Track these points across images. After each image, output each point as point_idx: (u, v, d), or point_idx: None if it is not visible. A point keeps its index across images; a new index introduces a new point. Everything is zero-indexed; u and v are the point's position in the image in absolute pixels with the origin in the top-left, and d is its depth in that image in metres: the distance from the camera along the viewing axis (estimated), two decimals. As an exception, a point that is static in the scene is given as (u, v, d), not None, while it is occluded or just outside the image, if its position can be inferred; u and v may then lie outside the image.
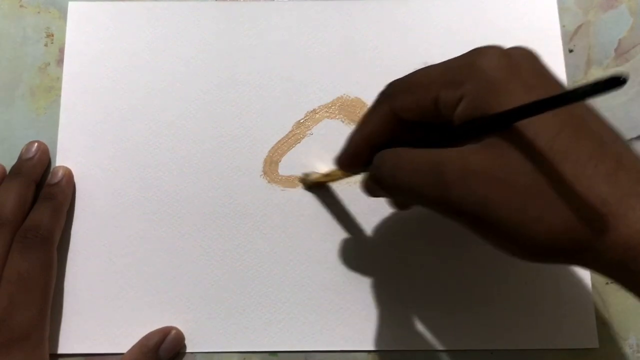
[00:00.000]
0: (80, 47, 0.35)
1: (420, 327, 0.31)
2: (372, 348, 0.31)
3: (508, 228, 0.20)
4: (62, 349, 0.31)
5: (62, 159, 0.34)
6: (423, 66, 0.24)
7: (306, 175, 0.33)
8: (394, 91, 0.25)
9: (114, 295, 0.32)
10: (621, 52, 0.35)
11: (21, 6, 0.36)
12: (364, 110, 0.35)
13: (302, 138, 0.34)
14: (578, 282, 0.32)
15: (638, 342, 0.32)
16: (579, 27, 0.36)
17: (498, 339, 0.31)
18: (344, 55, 0.35)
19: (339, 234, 0.33)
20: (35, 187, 0.33)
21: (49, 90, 0.35)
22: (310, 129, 0.34)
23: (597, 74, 0.35)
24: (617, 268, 0.20)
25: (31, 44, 0.36)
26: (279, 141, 0.34)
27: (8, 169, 0.33)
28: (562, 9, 0.36)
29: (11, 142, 0.34)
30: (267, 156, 0.34)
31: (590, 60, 0.35)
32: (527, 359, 0.31)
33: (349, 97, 0.35)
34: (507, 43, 0.23)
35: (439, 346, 0.31)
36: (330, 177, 0.32)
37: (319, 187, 0.33)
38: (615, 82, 0.16)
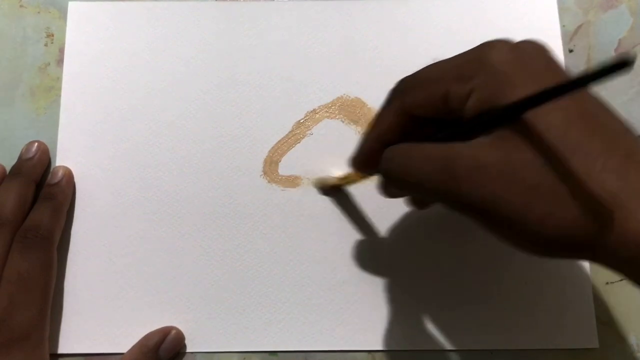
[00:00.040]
0: (80, 47, 0.35)
1: (420, 327, 0.31)
2: (372, 348, 0.31)
3: (517, 223, 0.20)
4: (62, 349, 0.31)
5: (62, 159, 0.34)
6: (433, 62, 0.24)
7: (322, 179, 0.33)
8: (405, 88, 0.25)
9: (114, 295, 0.32)
10: (621, 52, 0.35)
11: (21, 6, 0.36)
12: (364, 110, 0.35)
13: (302, 138, 0.34)
14: (578, 282, 0.32)
15: (638, 342, 0.32)
16: (579, 27, 0.36)
17: (498, 339, 0.31)
18: (344, 55, 0.35)
19: (339, 234, 0.33)
20: (35, 187, 0.33)
21: (49, 90, 0.35)
22: (310, 129, 0.34)
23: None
24: (628, 264, 0.20)
25: (31, 44, 0.36)
26: (279, 141, 0.34)
27: (8, 169, 0.33)
28: (562, 9, 0.36)
29: (11, 142, 0.34)
30: (267, 156, 0.34)
31: (590, 60, 0.35)
32: (527, 359, 0.31)
33: (349, 97, 0.35)
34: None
35: (439, 346, 0.31)
36: (346, 180, 0.32)
37: (335, 191, 0.33)
38: (621, 66, 0.15)
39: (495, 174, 0.20)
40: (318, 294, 0.32)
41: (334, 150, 0.34)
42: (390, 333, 0.31)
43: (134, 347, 0.31)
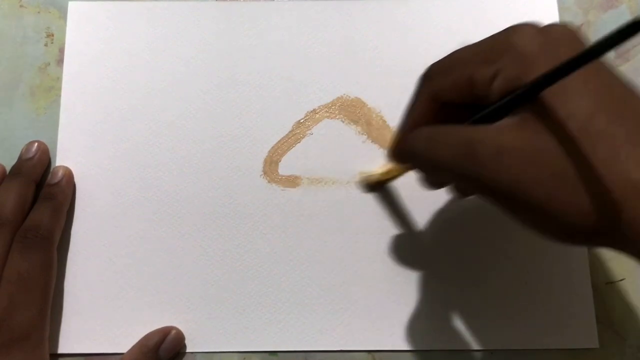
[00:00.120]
0: (80, 47, 0.35)
1: (420, 327, 0.31)
2: (372, 348, 0.31)
3: (538, 209, 0.20)
4: (62, 349, 0.31)
5: (62, 159, 0.34)
6: (459, 47, 0.24)
7: (367, 175, 0.33)
8: (432, 73, 0.24)
9: (114, 295, 0.32)
10: (621, 52, 0.35)
11: (21, 6, 0.36)
12: (364, 110, 0.35)
13: (302, 138, 0.34)
14: (578, 282, 0.32)
15: (638, 342, 0.32)
16: (579, 27, 0.36)
17: (498, 339, 0.31)
18: (344, 55, 0.35)
19: (339, 234, 0.33)
20: (35, 187, 0.33)
21: (49, 90, 0.35)
22: (310, 129, 0.34)
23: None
24: None
25: (31, 44, 0.36)
26: (279, 141, 0.34)
27: (8, 169, 0.33)
28: (562, 9, 0.36)
29: (11, 142, 0.34)
30: (267, 156, 0.34)
31: (590, 60, 0.35)
32: (527, 359, 0.31)
33: (349, 97, 0.35)
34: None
35: (438, 346, 0.31)
36: (388, 174, 0.31)
37: (378, 188, 0.33)
38: (636, 26, 0.15)
39: (518, 159, 0.20)
40: (318, 294, 0.32)
41: (334, 150, 0.34)
42: (390, 333, 0.31)
43: (134, 347, 0.31)
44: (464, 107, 0.24)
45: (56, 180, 0.32)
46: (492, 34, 0.23)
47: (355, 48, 0.35)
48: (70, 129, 0.34)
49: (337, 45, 0.35)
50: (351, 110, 0.35)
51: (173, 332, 0.31)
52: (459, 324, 0.31)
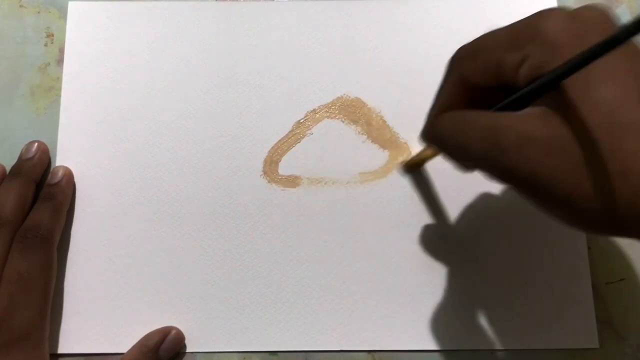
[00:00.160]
0: (80, 47, 0.35)
1: (420, 327, 0.31)
2: (372, 348, 0.31)
3: (562, 199, 0.20)
4: (62, 349, 0.31)
5: (62, 159, 0.34)
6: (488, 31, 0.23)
7: (407, 158, 0.33)
8: (461, 56, 0.24)
9: (114, 295, 0.32)
10: None
11: (21, 6, 0.36)
12: (364, 110, 0.35)
13: (302, 138, 0.34)
14: (578, 282, 0.32)
15: (638, 342, 0.32)
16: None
17: (498, 339, 0.31)
18: (344, 55, 0.35)
19: (339, 234, 0.33)
20: (35, 187, 0.33)
21: (49, 90, 0.35)
22: (310, 129, 0.34)
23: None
24: None
25: (31, 44, 0.36)
26: (279, 141, 0.34)
27: (8, 169, 0.33)
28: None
29: (11, 142, 0.34)
30: (267, 156, 0.34)
31: (590, 60, 0.35)
32: (527, 359, 0.31)
33: (349, 97, 0.35)
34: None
35: (438, 346, 0.31)
36: (422, 156, 0.31)
37: (414, 170, 0.33)
38: None
39: (541, 148, 0.20)
40: (318, 294, 0.32)
41: (334, 150, 0.34)
42: (390, 333, 0.31)
43: (134, 347, 0.31)
44: (495, 90, 0.23)
45: (56, 180, 0.32)
46: (521, 19, 0.22)
47: (355, 48, 0.35)
48: (70, 129, 0.34)
49: (337, 45, 0.35)
50: (351, 110, 0.35)
51: (173, 332, 0.31)
52: (458, 324, 0.31)
